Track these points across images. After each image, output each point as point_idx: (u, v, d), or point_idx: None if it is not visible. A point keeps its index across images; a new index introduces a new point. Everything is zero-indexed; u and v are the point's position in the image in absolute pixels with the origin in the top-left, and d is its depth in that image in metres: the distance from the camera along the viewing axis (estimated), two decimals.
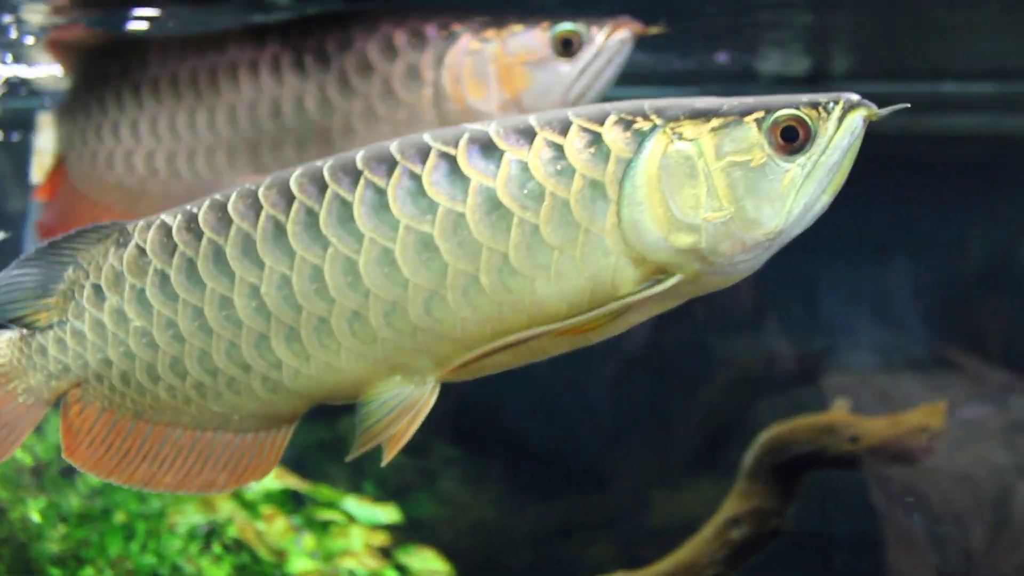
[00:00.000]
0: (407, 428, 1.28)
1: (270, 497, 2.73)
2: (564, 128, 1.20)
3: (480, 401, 3.57)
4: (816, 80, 3.20)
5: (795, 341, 3.56)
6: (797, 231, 1.16)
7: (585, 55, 1.67)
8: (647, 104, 1.21)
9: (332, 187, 1.26)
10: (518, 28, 1.70)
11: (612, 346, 3.51)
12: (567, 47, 1.68)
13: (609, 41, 1.67)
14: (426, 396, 1.28)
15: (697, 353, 3.50)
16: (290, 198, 1.27)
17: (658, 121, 1.18)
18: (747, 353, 3.58)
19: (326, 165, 1.28)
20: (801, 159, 1.14)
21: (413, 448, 3.67)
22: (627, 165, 1.17)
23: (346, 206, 1.25)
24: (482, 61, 1.68)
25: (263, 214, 1.29)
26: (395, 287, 1.23)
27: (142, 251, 1.36)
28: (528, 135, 1.20)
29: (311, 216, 1.26)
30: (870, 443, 2.38)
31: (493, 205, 1.20)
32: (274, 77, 1.79)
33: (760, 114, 1.15)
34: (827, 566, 3.33)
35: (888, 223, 3.53)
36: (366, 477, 3.53)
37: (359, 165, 1.26)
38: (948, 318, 3.55)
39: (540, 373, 3.53)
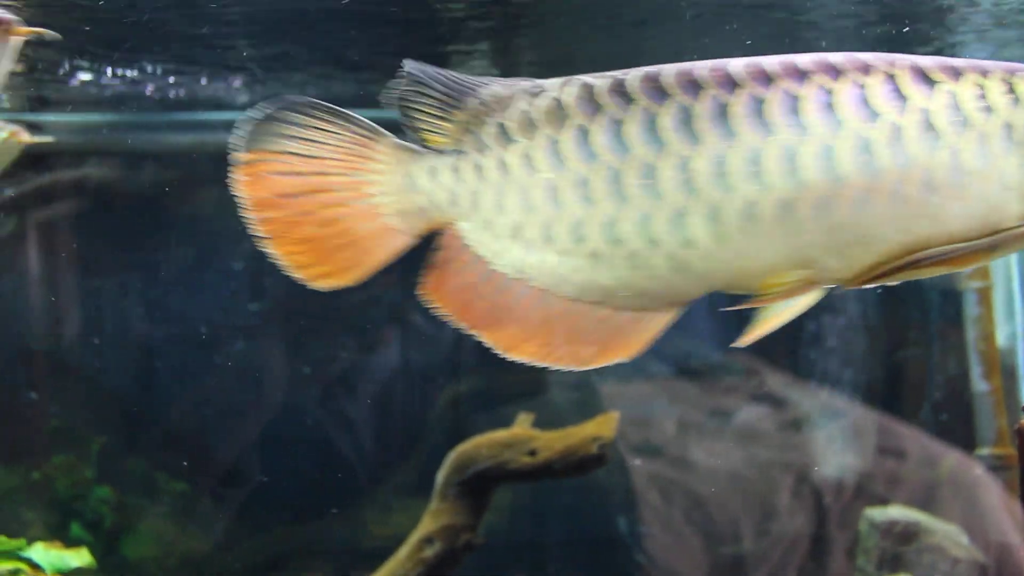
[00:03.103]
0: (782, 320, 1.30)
1: None
2: (984, 73, 1.33)
3: (186, 432, 3.46)
4: None
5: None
6: None
7: None
8: None
9: (779, 83, 1.29)
10: None
11: (320, 369, 3.50)
12: None
13: None
14: (812, 297, 1.31)
15: (411, 373, 3.53)
16: (733, 85, 1.29)
17: None
18: (473, 368, 3.64)
19: (766, 61, 1.32)
20: None
21: (128, 485, 3.49)
22: None
23: (795, 99, 1.28)
24: None
25: (705, 94, 1.29)
26: (831, 182, 1.27)
27: (559, 103, 1.30)
28: (955, 73, 1.33)
29: (757, 103, 1.28)
30: (547, 456, 2.47)
31: (928, 125, 1.29)
32: None
33: None
34: (538, 574, 3.44)
35: None
36: (74, 519, 3.34)
37: (808, 67, 1.31)
38: (736, 324, 3.72)
39: (247, 401, 3.47)
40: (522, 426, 2.54)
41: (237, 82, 3.17)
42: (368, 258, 1.32)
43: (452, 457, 2.54)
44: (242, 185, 1.31)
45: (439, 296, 1.32)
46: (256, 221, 1.31)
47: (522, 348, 1.32)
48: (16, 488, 3.31)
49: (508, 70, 3.08)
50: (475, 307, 1.32)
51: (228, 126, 3.59)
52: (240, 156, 1.31)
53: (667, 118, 1.29)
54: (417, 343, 3.50)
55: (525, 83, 1.34)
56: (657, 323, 1.35)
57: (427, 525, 2.55)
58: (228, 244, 3.45)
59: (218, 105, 3.42)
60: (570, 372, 3.60)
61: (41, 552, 2.67)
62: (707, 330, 3.63)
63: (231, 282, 3.48)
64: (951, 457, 3.28)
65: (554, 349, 1.33)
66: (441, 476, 2.55)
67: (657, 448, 3.41)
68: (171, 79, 3.10)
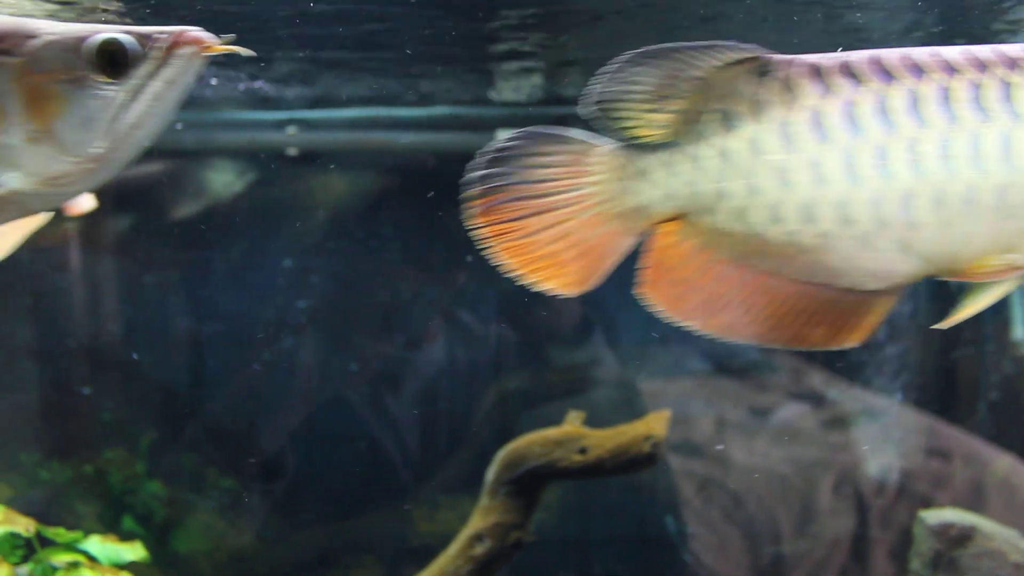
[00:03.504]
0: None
1: None
2: None
3: (235, 427, 3.50)
4: (550, 103, 3.33)
5: (571, 352, 3.64)
6: None
7: (137, 75, 1.31)
8: None
9: (993, 70, 1.31)
10: (50, 36, 1.29)
11: (367, 366, 3.51)
12: (112, 64, 1.30)
13: (170, 58, 1.32)
14: (1014, 282, 1.35)
15: (456, 370, 3.54)
16: (953, 70, 1.32)
17: None
18: (520, 365, 3.65)
19: (979, 49, 1.33)
20: None
21: (178, 480, 3.54)
22: None
23: (1008, 86, 1.31)
24: (1, 79, 1.29)
25: (929, 77, 1.31)
26: None
27: (788, 85, 1.31)
28: None
29: (975, 88, 1.31)
30: (598, 454, 2.46)
31: None
32: None
33: None
34: (585, 572, 3.43)
35: None
36: (126, 512, 3.39)
37: (1018, 54, 1.33)
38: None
39: (294, 395, 3.49)
40: (572, 424, 2.53)
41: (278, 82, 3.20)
42: (601, 263, 1.37)
43: (502, 455, 2.54)
44: (477, 218, 1.39)
45: (654, 293, 1.36)
46: (496, 249, 1.38)
47: (743, 331, 1.35)
48: (70, 481, 3.37)
49: (555, 66, 3.08)
50: (691, 299, 1.36)
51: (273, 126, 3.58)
52: (472, 191, 1.38)
53: (897, 100, 1.31)
54: (462, 340, 3.51)
55: (747, 63, 1.33)
56: (882, 306, 1.37)
57: (477, 522, 2.55)
58: (275, 243, 3.48)
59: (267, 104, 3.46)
60: (611, 370, 3.59)
61: (97, 545, 2.71)
62: None
63: (278, 279, 3.51)
64: (1003, 460, 3.23)
65: (781, 332, 1.36)
66: (491, 473, 2.55)
67: (698, 447, 3.40)
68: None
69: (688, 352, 3.60)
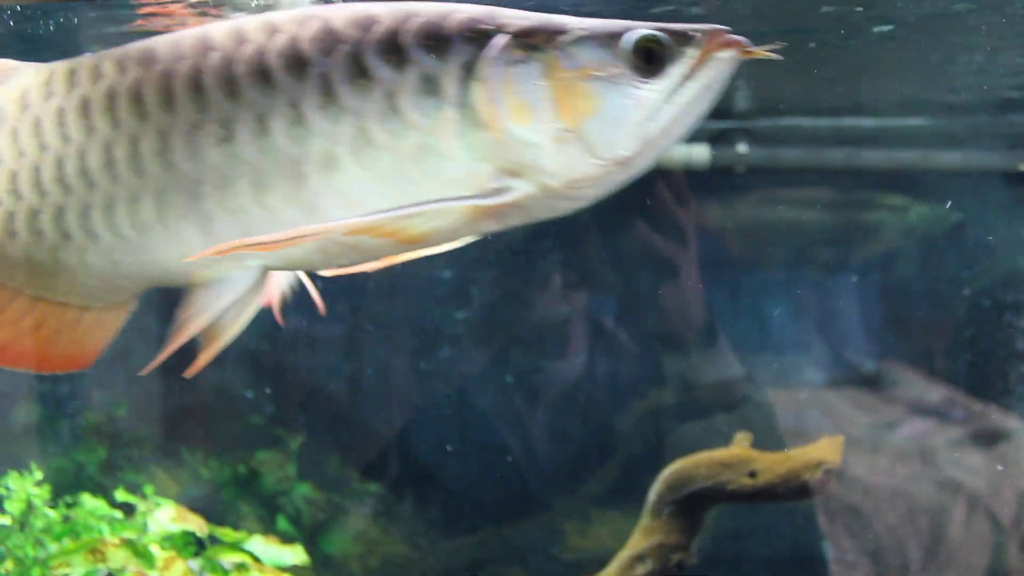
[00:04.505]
0: None
1: (171, 540, 2.67)
2: None
3: (389, 435, 3.54)
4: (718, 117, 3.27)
5: (720, 367, 3.58)
6: None
7: (673, 74, 1.21)
8: None
9: None
10: (580, 31, 1.22)
11: (521, 378, 3.52)
12: (649, 62, 1.20)
13: (707, 59, 1.20)
14: None
15: (611, 382, 3.51)
16: None
17: None
18: (669, 380, 3.60)
19: None
20: None
21: (326, 483, 3.61)
22: None
23: None
24: (530, 74, 1.21)
25: None
26: None
27: None
28: None
29: None
30: (768, 478, 2.40)
31: None
32: (225, 92, 1.28)
33: None
34: None
35: (829, 243, 3.62)
36: (279, 513, 3.48)
37: None
38: (892, 335, 3.61)
39: (449, 405, 3.52)
40: (740, 445, 2.48)
41: None
42: None
43: (666, 474, 2.50)
44: None
45: None
46: None
47: None
48: (228, 480, 3.47)
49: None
50: None
51: None
52: None
53: None
54: (613, 355, 3.48)
55: None
56: None
57: (638, 542, 2.52)
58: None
59: None
60: (754, 388, 3.49)
61: (260, 546, 2.78)
62: (866, 342, 3.51)
63: (435, 289, 3.55)
64: None
65: None
66: (654, 493, 2.51)
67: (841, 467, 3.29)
68: None
69: (818, 365, 3.51)
